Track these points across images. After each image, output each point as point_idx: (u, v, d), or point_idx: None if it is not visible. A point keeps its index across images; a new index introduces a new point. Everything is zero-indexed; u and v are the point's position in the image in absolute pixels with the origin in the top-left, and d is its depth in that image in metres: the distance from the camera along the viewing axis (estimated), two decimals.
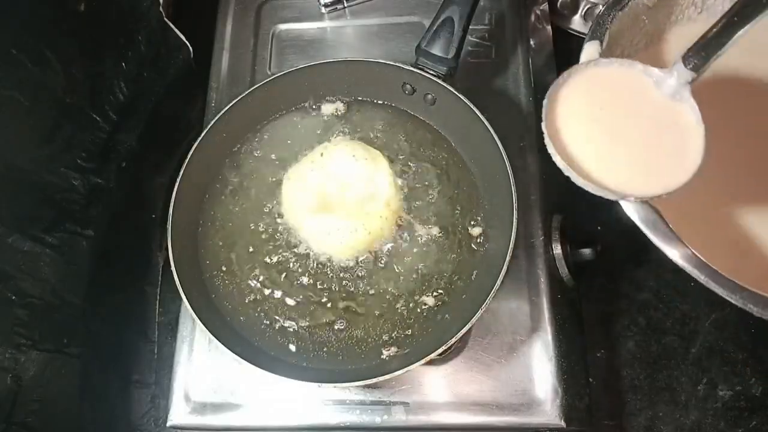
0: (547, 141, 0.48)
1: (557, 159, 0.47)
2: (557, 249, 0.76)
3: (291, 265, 0.71)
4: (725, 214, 0.53)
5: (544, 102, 0.48)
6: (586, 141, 0.49)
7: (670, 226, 0.47)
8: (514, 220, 0.62)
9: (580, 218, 0.89)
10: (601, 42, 0.54)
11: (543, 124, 0.48)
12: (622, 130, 0.49)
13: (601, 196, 0.46)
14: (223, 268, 0.72)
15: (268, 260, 0.71)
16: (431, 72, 0.71)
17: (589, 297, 0.85)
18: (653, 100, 0.48)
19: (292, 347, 0.68)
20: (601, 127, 0.49)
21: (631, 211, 0.47)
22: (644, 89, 0.49)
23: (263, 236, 0.73)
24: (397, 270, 0.70)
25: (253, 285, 0.71)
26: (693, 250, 0.44)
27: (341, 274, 0.70)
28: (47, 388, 0.70)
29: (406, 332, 0.67)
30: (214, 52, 0.92)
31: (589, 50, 0.54)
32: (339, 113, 0.78)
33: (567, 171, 0.47)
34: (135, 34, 0.85)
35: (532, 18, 0.90)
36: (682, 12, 0.56)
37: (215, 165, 0.76)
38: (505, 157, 0.65)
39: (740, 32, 0.42)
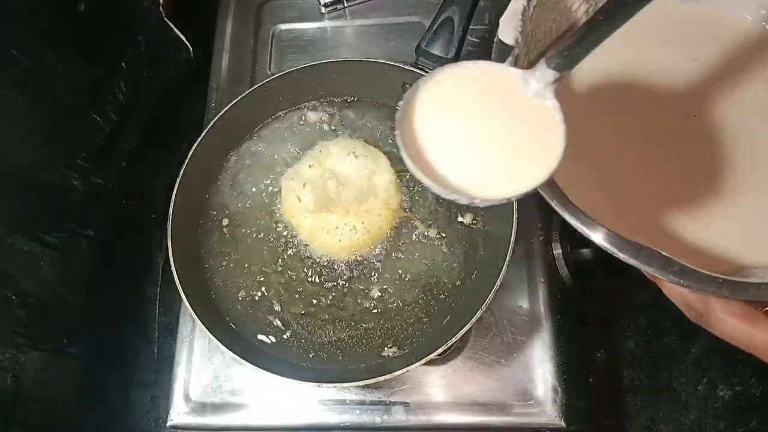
0: (398, 142, 0.45)
1: (408, 163, 0.43)
2: (557, 249, 0.76)
3: (291, 264, 0.71)
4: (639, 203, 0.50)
5: (400, 103, 0.46)
6: (441, 142, 0.46)
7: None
8: (514, 220, 0.62)
9: None
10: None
11: (397, 126, 0.45)
12: (481, 130, 0.47)
13: (454, 199, 0.43)
14: (223, 268, 0.72)
15: (268, 260, 0.71)
16: None
17: (589, 297, 0.85)
18: (516, 101, 0.46)
19: (293, 347, 0.68)
20: (459, 128, 0.47)
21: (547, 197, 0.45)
22: (508, 89, 0.47)
23: (263, 236, 0.73)
24: (396, 270, 0.70)
25: (253, 285, 0.71)
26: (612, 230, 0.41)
27: (341, 274, 0.70)
28: (47, 388, 0.70)
29: (406, 332, 0.67)
30: (214, 52, 0.92)
31: (515, 6, 0.49)
32: (339, 113, 0.78)
33: (416, 173, 0.44)
34: (135, 34, 0.85)
35: None
36: None
37: (215, 165, 0.76)
38: None
39: (605, 36, 0.41)
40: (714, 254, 0.43)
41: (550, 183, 0.43)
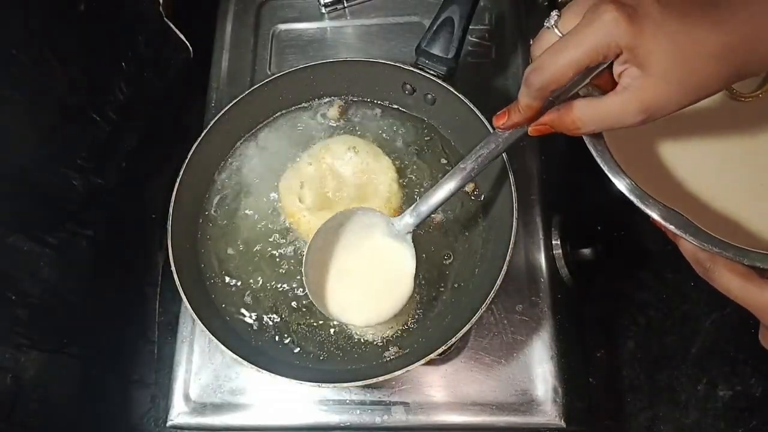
0: (306, 281, 0.60)
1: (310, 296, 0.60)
2: (557, 249, 0.76)
3: (291, 264, 0.71)
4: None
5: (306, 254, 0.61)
6: (323, 279, 0.62)
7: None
8: (514, 221, 0.62)
9: (580, 218, 0.89)
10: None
11: (304, 272, 0.60)
12: (352, 268, 0.62)
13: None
14: (224, 268, 0.72)
15: (269, 260, 0.71)
16: (431, 72, 0.71)
17: (589, 297, 0.85)
18: (382, 243, 0.62)
19: (293, 347, 0.68)
20: (335, 266, 0.62)
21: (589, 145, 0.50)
22: (375, 234, 0.62)
23: (263, 236, 0.73)
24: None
25: (253, 285, 0.71)
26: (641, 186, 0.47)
27: None
28: (47, 388, 0.70)
29: (407, 332, 0.67)
30: (214, 52, 0.92)
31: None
32: (339, 113, 0.78)
33: (316, 303, 0.61)
34: (135, 34, 0.85)
35: (533, 18, 0.90)
36: None
37: (215, 165, 0.76)
38: (505, 157, 0.65)
39: (441, 201, 0.58)
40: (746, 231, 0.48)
41: (596, 136, 0.49)
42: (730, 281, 0.44)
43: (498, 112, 0.51)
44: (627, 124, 0.42)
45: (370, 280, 0.62)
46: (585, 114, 0.44)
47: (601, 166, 0.49)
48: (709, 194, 0.49)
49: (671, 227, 0.45)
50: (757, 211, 0.48)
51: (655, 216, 0.46)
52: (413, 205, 0.59)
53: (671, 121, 0.51)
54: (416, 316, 0.68)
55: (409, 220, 0.59)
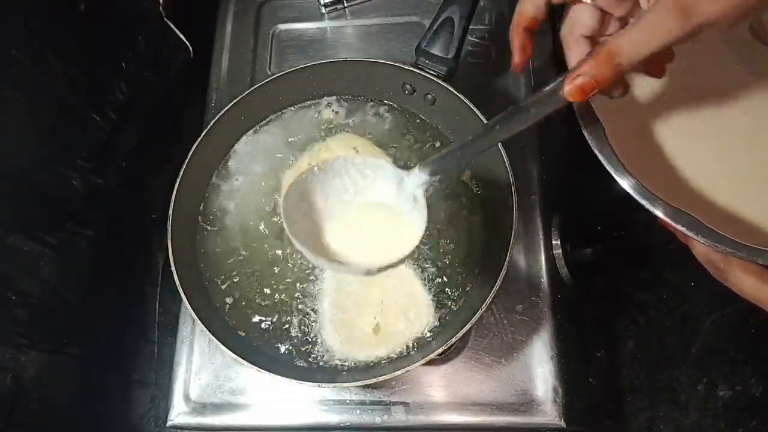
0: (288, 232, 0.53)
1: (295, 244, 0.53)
2: (557, 249, 0.76)
3: (291, 264, 0.71)
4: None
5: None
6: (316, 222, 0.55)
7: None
8: (514, 220, 0.62)
9: (580, 218, 0.89)
10: None
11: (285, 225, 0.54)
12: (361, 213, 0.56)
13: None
14: (223, 268, 0.72)
15: (268, 259, 0.71)
16: (431, 72, 0.71)
17: (589, 297, 0.85)
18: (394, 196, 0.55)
19: (293, 347, 0.68)
20: (330, 211, 0.56)
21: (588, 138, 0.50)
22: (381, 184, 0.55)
23: (263, 235, 0.73)
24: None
25: (253, 285, 0.71)
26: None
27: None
28: (47, 388, 0.70)
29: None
30: (214, 52, 0.92)
31: None
32: (339, 113, 0.78)
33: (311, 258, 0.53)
34: (135, 34, 0.85)
35: None
36: None
37: (215, 165, 0.76)
38: (505, 157, 0.65)
39: (465, 160, 0.53)
40: (751, 226, 0.47)
41: (597, 131, 0.49)
42: (745, 281, 0.44)
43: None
44: (672, 39, 0.36)
45: (371, 230, 0.56)
46: (621, 43, 0.38)
47: (607, 167, 0.49)
48: (714, 191, 0.49)
49: (682, 228, 0.45)
50: (759, 206, 0.48)
51: (664, 217, 0.45)
52: (434, 157, 0.51)
53: (673, 116, 0.51)
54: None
55: (422, 176, 0.51)
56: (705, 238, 0.43)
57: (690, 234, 0.44)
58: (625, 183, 0.46)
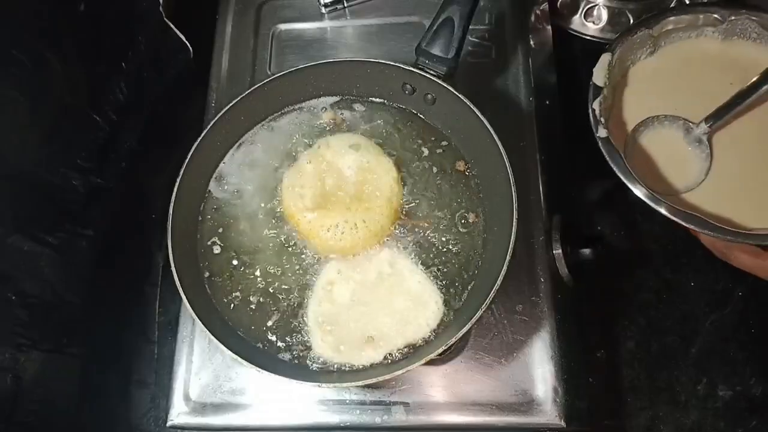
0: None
1: None
2: (557, 249, 0.76)
3: (291, 263, 0.71)
4: None
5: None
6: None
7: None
8: (514, 220, 0.62)
9: (580, 218, 0.89)
10: (613, 54, 0.72)
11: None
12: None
13: None
14: (223, 268, 0.72)
15: (269, 259, 0.71)
16: (431, 72, 0.71)
17: (589, 297, 0.85)
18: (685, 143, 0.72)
19: (293, 347, 0.68)
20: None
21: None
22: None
23: (263, 235, 0.73)
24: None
25: (253, 284, 0.71)
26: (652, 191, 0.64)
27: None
28: (47, 388, 0.70)
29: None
30: (214, 52, 0.92)
31: (604, 60, 0.72)
32: (339, 113, 0.78)
33: None
34: (135, 34, 0.85)
35: (532, 18, 0.90)
36: (677, 34, 0.76)
37: (215, 165, 0.76)
38: (505, 157, 0.65)
39: (746, 101, 0.67)
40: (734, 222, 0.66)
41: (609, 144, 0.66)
42: (745, 259, 0.64)
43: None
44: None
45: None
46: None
47: (619, 175, 0.64)
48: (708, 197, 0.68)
49: (692, 227, 0.61)
50: (738, 210, 0.66)
51: (674, 218, 0.61)
52: (713, 112, 0.69)
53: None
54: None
55: (705, 125, 0.70)
56: (712, 232, 0.61)
57: (700, 230, 0.62)
58: (638, 191, 0.64)
